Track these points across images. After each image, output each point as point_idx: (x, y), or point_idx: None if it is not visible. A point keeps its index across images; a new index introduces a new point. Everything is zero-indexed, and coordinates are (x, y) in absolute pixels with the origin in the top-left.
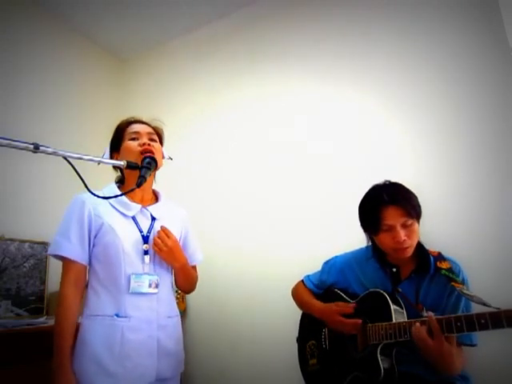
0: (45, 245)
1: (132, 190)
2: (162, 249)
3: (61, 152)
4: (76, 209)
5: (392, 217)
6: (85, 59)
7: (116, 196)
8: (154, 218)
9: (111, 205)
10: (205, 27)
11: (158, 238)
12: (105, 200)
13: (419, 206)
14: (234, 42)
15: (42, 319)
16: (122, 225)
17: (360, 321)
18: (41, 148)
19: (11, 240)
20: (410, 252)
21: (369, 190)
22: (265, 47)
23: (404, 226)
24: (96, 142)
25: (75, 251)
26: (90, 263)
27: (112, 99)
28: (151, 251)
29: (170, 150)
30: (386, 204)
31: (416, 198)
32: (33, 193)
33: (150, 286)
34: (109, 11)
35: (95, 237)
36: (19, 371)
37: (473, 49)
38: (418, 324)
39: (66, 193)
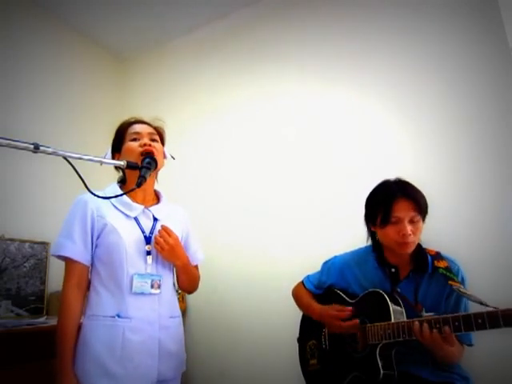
0: (45, 245)
1: (132, 190)
2: (164, 247)
3: (61, 152)
4: (79, 209)
5: (402, 209)
6: (85, 59)
7: (116, 196)
8: (156, 219)
9: (113, 205)
10: (205, 27)
11: (160, 236)
12: (107, 200)
13: (426, 206)
14: (234, 42)
15: (42, 319)
16: (124, 225)
17: (357, 321)
18: (41, 148)
19: (11, 240)
20: (411, 248)
21: (378, 185)
22: (265, 47)
23: (411, 221)
24: (96, 142)
25: (79, 252)
26: (92, 264)
27: (112, 99)
28: (154, 252)
29: (169, 150)
30: (397, 196)
31: (425, 197)
32: (33, 193)
33: (152, 286)
34: (109, 11)
35: (98, 237)
36: (19, 371)
37: (473, 49)
38: (416, 323)
39: (66, 193)
